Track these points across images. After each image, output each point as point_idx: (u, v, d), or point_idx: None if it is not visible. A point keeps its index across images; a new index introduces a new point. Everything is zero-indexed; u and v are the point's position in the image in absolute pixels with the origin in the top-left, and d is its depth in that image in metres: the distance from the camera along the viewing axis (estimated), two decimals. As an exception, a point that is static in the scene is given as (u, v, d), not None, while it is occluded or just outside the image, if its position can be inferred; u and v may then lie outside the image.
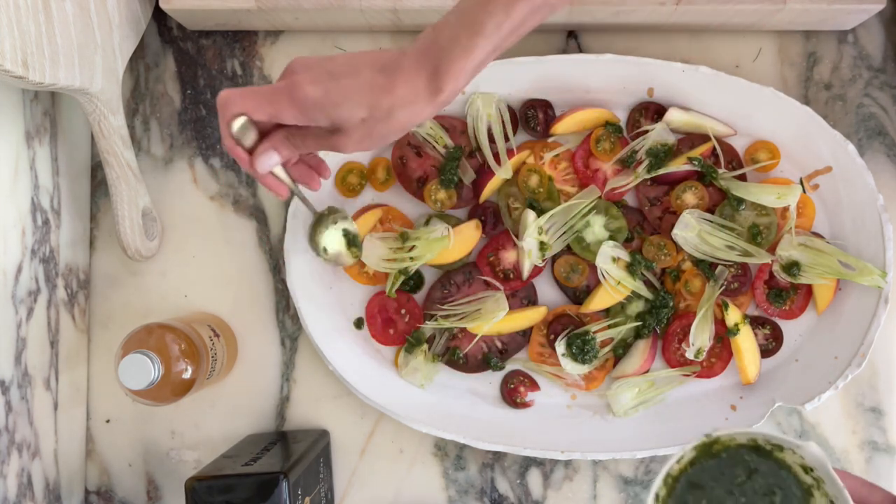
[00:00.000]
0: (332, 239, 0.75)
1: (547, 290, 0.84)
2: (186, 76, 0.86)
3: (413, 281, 0.83)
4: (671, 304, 0.80)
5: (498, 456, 0.84)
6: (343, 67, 0.58)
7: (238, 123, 0.61)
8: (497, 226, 0.82)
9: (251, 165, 0.63)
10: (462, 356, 0.83)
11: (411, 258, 0.79)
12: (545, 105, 0.82)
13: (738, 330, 0.79)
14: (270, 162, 0.63)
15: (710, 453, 0.59)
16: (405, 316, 0.83)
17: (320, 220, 0.74)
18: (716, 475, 0.59)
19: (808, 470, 0.57)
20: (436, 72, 0.56)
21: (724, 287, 0.80)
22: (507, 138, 0.81)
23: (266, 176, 0.65)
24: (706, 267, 0.80)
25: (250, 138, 0.62)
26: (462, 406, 0.83)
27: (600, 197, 0.81)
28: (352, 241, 0.76)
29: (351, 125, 0.59)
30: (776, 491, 0.58)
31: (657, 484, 0.57)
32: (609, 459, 0.83)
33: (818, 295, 0.81)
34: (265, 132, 0.63)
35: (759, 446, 0.58)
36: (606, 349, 0.81)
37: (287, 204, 0.84)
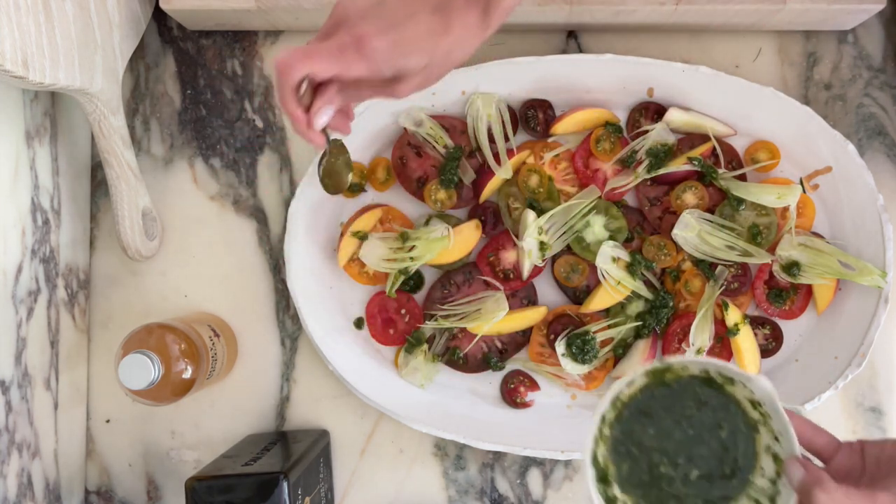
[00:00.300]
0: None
1: (547, 290, 0.84)
2: (186, 76, 0.86)
3: (413, 281, 0.83)
4: (671, 304, 0.80)
5: (498, 456, 0.84)
6: (399, 13, 0.56)
7: (304, 86, 0.59)
8: (497, 226, 0.82)
9: (308, 124, 0.61)
10: (462, 356, 0.83)
11: (411, 258, 0.79)
12: (545, 105, 0.82)
13: (738, 330, 0.79)
14: (327, 118, 0.61)
15: (662, 381, 0.58)
16: (405, 316, 0.83)
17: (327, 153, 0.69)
18: (666, 405, 0.58)
19: (756, 405, 0.57)
20: (486, 8, 0.56)
21: (724, 287, 0.80)
22: (507, 138, 0.81)
23: (315, 131, 0.62)
24: (706, 267, 0.80)
25: (306, 97, 0.60)
26: (462, 406, 0.83)
27: (600, 197, 0.81)
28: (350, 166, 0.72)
29: (413, 73, 0.58)
30: (723, 425, 0.58)
31: (604, 406, 0.57)
32: (609, 459, 0.83)
33: (818, 295, 0.81)
34: (315, 87, 0.61)
35: (710, 379, 0.58)
36: (606, 349, 0.81)
37: (287, 204, 0.84)
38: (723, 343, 0.81)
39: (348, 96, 0.61)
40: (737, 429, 0.58)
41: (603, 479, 0.58)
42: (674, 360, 0.57)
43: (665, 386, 0.58)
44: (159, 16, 0.85)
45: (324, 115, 0.60)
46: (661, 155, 0.80)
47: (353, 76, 0.57)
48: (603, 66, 0.79)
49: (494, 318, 0.79)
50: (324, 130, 0.64)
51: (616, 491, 0.58)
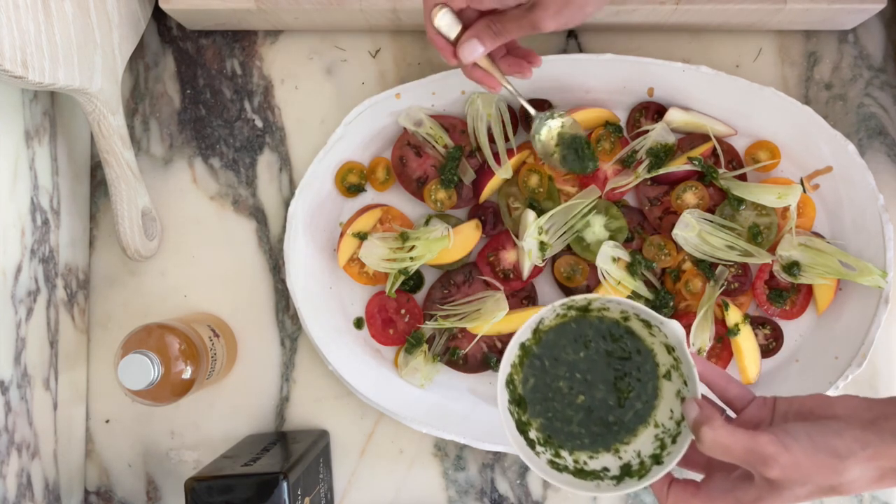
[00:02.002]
0: (547, 137, 0.76)
1: (547, 290, 0.84)
2: (186, 76, 0.86)
3: (413, 281, 0.83)
4: (671, 304, 0.80)
5: (498, 456, 0.84)
6: None
7: (440, 14, 0.63)
8: (497, 226, 0.82)
9: (455, 56, 0.65)
10: (462, 356, 0.82)
11: (411, 258, 0.79)
12: (545, 105, 0.82)
13: (738, 330, 0.79)
14: (475, 52, 0.64)
15: (585, 316, 0.63)
16: (405, 316, 0.83)
17: (539, 121, 0.75)
18: (582, 333, 0.63)
19: (671, 350, 0.61)
20: None
21: (724, 287, 0.80)
22: (507, 138, 0.81)
23: (474, 69, 0.67)
24: (706, 267, 0.80)
25: (454, 31, 0.64)
26: (462, 406, 0.82)
27: (600, 197, 0.81)
28: (569, 141, 0.76)
29: None
30: (625, 365, 0.63)
31: (525, 334, 0.61)
32: (609, 460, 0.83)
33: (818, 295, 0.81)
34: (467, 25, 0.65)
35: (630, 329, 0.62)
36: (606, 349, 0.81)
37: (287, 204, 0.84)
38: (723, 343, 0.81)
39: (496, 32, 0.63)
40: (635, 370, 0.62)
41: (517, 402, 0.62)
42: (592, 296, 0.60)
43: (587, 320, 0.63)
44: (159, 15, 0.85)
45: (470, 47, 0.63)
46: (661, 155, 0.80)
47: (485, 5, 0.61)
48: (603, 66, 0.79)
49: (494, 318, 0.79)
50: (508, 84, 0.68)
51: (527, 416, 0.62)
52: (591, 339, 0.63)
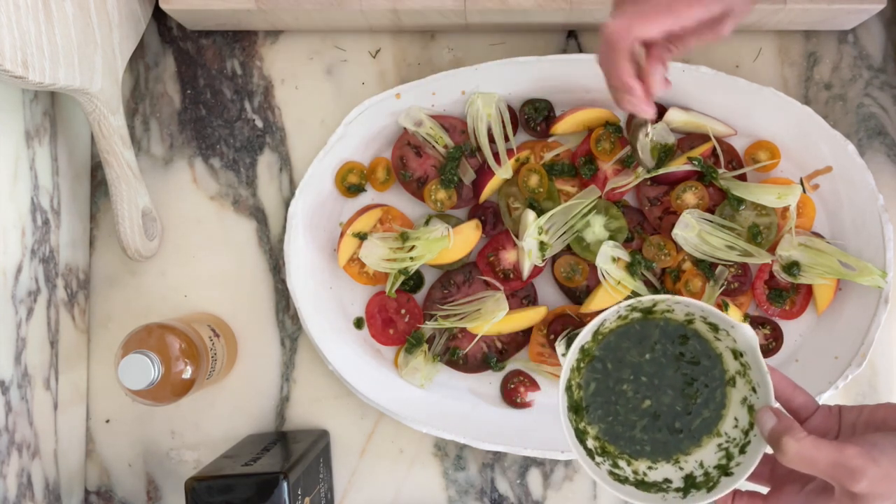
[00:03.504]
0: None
1: (547, 290, 0.84)
2: (186, 76, 0.86)
3: (413, 281, 0.83)
4: (671, 304, 0.80)
5: (498, 456, 0.84)
6: None
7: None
8: (497, 226, 0.82)
9: (647, 94, 0.57)
10: (462, 356, 0.83)
11: (411, 258, 0.79)
12: (545, 105, 0.82)
13: (738, 330, 0.79)
14: (661, 77, 0.58)
15: (648, 319, 0.60)
16: (405, 316, 0.83)
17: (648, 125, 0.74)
18: (647, 335, 0.61)
19: (738, 355, 0.58)
20: None
21: (724, 287, 0.80)
22: (507, 138, 0.81)
23: (651, 101, 0.59)
24: (706, 267, 0.80)
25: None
26: (462, 406, 0.83)
27: (600, 197, 0.81)
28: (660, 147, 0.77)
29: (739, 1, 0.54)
30: (692, 369, 0.60)
31: (585, 337, 0.58)
32: (609, 459, 0.83)
33: (818, 295, 0.81)
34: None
35: (696, 331, 0.60)
36: (606, 349, 0.81)
37: (287, 204, 0.84)
38: (723, 343, 0.81)
39: (674, 51, 0.57)
40: (703, 375, 0.60)
41: (575, 409, 0.60)
42: (659, 297, 0.57)
43: (652, 322, 0.60)
44: (159, 16, 0.85)
45: (659, 77, 0.57)
46: (661, 155, 0.80)
47: (690, 22, 0.54)
48: (603, 66, 0.79)
49: (494, 318, 0.79)
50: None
51: (584, 423, 0.60)
52: (656, 341, 0.60)
